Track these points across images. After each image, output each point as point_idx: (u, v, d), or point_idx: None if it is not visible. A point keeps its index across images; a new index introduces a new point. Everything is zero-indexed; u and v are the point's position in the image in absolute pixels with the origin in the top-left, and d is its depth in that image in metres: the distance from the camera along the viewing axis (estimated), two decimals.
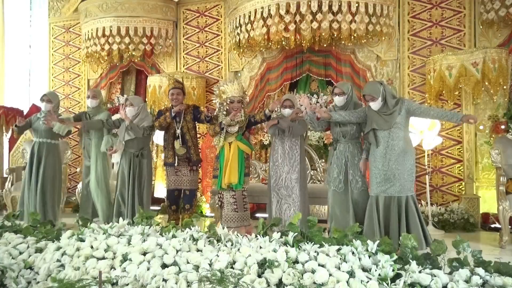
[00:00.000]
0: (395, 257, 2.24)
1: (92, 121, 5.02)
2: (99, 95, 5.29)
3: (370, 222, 3.71)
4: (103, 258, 2.49)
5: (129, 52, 6.51)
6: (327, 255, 2.30)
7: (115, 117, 6.55)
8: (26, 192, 4.96)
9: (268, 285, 2.10)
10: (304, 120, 4.30)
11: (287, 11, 5.10)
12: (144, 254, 2.45)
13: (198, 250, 2.49)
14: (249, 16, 5.41)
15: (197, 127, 5.07)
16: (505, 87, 4.99)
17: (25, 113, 7.30)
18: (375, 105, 3.74)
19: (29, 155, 5.07)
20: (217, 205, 4.66)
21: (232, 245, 2.53)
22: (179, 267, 2.30)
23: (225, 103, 4.37)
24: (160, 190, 6.47)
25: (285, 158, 4.26)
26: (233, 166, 4.30)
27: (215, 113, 4.52)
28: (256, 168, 5.65)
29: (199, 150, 4.90)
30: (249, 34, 5.42)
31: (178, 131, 4.65)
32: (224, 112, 4.36)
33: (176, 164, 4.67)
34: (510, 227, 4.40)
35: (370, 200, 3.78)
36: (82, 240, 2.70)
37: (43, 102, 5.02)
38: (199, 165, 4.91)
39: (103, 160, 5.04)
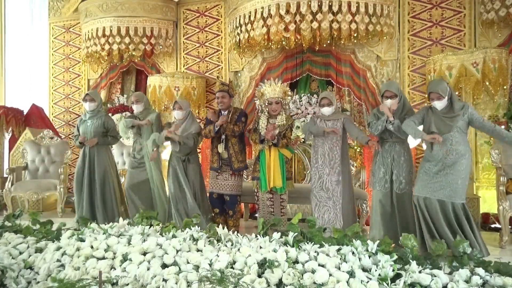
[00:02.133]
0: (395, 257, 2.25)
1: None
2: (142, 97, 5.03)
3: (418, 224, 3.72)
4: (103, 258, 2.50)
5: (129, 52, 6.51)
6: (327, 255, 2.30)
7: (115, 117, 6.56)
8: (79, 196, 4.90)
9: (268, 285, 2.10)
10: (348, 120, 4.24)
11: (287, 11, 5.09)
12: (144, 254, 2.45)
13: (198, 250, 2.50)
14: (249, 16, 5.40)
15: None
16: (505, 87, 4.98)
17: (25, 113, 7.29)
18: (440, 104, 3.62)
19: (80, 158, 4.96)
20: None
21: (232, 245, 2.53)
22: (179, 267, 2.30)
23: (263, 105, 4.44)
24: None
25: (325, 160, 4.18)
26: (277, 170, 4.31)
27: (257, 112, 4.58)
28: None
29: (243, 157, 4.65)
30: (249, 34, 5.40)
31: (223, 136, 4.55)
32: (266, 114, 4.42)
33: (219, 170, 4.58)
34: (510, 227, 4.40)
35: (414, 201, 3.73)
36: (82, 240, 2.70)
37: (86, 102, 4.93)
38: (242, 171, 4.71)
39: (158, 162, 4.93)
